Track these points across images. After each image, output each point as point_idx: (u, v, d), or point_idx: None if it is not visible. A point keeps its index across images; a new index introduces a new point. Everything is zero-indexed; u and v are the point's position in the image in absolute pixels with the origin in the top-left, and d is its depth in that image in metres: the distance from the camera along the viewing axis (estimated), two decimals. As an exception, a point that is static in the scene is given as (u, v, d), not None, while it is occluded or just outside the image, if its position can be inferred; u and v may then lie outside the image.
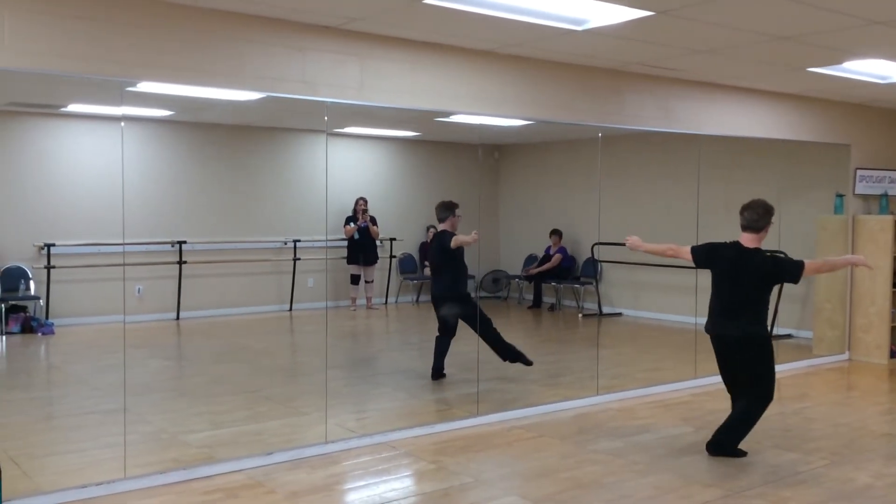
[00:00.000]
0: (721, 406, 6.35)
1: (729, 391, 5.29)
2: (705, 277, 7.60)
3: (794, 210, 8.93)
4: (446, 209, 6.84)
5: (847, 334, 8.45)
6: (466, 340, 6.94)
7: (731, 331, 5.07)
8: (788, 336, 9.05)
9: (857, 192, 8.40)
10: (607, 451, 5.13)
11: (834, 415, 6.18)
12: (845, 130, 8.33)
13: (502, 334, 6.88)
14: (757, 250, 5.05)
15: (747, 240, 5.07)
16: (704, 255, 5.19)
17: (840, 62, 6.18)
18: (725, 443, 5.07)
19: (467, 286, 6.96)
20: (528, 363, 6.88)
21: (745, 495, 4.38)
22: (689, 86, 7.03)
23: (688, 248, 5.22)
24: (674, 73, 6.72)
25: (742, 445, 5.13)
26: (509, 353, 6.85)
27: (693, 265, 5.24)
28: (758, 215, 5.02)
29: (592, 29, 5.15)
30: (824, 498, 4.37)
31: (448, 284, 6.83)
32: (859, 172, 8.39)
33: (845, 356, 8.45)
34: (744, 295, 5.03)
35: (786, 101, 7.76)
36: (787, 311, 9.05)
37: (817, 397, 6.82)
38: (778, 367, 7.95)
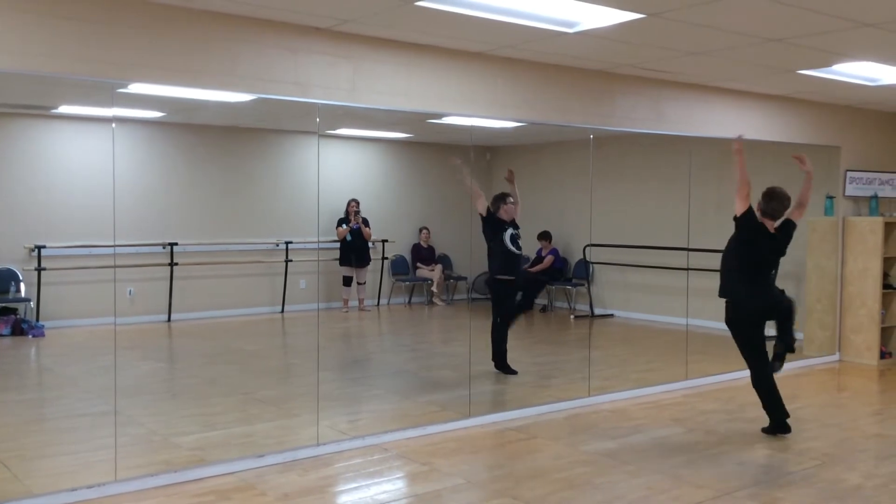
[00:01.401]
0: (712, 407, 6.38)
1: (753, 362, 5.57)
2: (696, 279, 7.63)
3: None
4: (496, 200, 7.07)
5: (837, 335, 8.49)
6: (460, 342, 6.94)
7: (768, 300, 5.47)
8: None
9: (847, 193, 8.44)
10: (599, 452, 5.14)
11: (825, 415, 6.20)
12: (835, 132, 8.37)
13: (496, 335, 6.90)
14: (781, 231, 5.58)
15: (771, 226, 5.50)
16: (749, 224, 5.43)
17: (830, 65, 6.21)
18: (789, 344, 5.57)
19: (495, 272, 7.10)
20: (514, 372, 7.02)
21: (737, 496, 4.39)
22: (681, 88, 7.05)
23: (747, 202, 5.41)
24: (665, 76, 6.74)
25: (736, 445, 5.15)
26: (502, 364, 6.98)
27: (737, 215, 5.45)
28: (784, 208, 5.51)
29: (584, 31, 5.16)
30: (815, 499, 4.38)
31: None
32: (849, 174, 8.43)
33: (836, 357, 8.48)
34: (775, 271, 5.53)
35: (776, 104, 7.79)
36: (778, 312, 9.08)
37: (808, 398, 6.84)
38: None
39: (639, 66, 6.38)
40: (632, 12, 4.71)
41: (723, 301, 5.56)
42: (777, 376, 5.58)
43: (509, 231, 7.00)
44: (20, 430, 5.58)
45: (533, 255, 11.20)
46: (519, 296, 7.11)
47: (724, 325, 5.58)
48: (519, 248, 7.10)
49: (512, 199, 7.05)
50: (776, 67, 6.35)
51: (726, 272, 5.56)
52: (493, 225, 6.99)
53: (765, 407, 5.61)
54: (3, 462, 4.65)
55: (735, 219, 5.46)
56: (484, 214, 6.98)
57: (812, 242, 8.52)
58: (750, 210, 5.43)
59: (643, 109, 6.84)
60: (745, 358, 5.59)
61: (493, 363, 7.01)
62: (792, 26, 5.05)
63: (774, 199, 5.47)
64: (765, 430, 5.60)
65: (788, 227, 5.60)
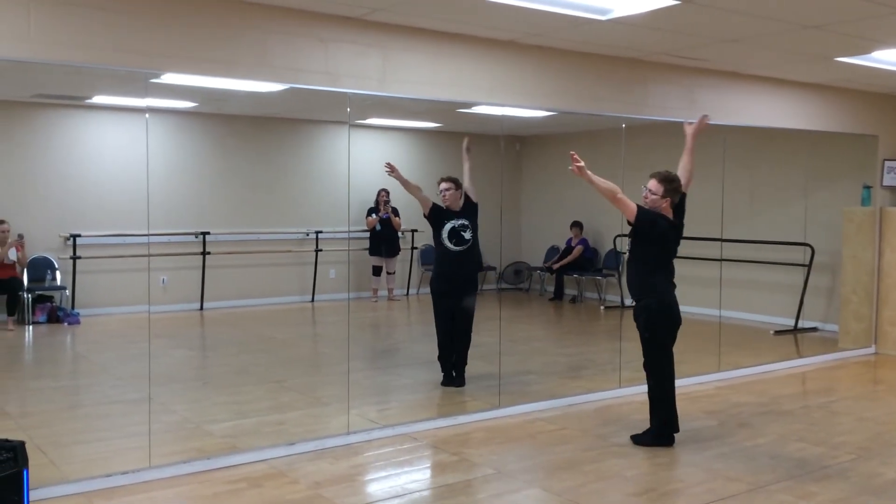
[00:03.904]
0: (745, 399, 6.31)
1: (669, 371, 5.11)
2: (730, 269, 7.53)
3: (821, 201, 8.83)
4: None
5: (874, 327, 8.35)
6: (489, 332, 6.93)
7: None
8: (814, 329, 8.96)
9: (884, 183, 8.28)
10: (630, 444, 5.10)
11: (860, 409, 6.11)
12: (873, 121, 8.21)
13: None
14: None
15: (669, 211, 4.98)
16: (653, 221, 4.87)
17: (869, 51, 6.08)
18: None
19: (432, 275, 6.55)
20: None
21: (771, 489, 4.34)
22: (715, 75, 6.95)
23: (633, 204, 4.84)
24: (699, 63, 6.65)
25: (770, 438, 5.08)
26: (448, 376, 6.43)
27: (631, 223, 4.88)
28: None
29: (616, 18, 5.10)
30: (851, 493, 4.32)
31: None
32: (887, 164, 8.27)
33: (872, 349, 8.34)
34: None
35: (812, 91, 7.66)
36: (812, 304, 8.96)
37: (843, 391, 6.74)
38: (804, 361, 7.93)
39: (672, 54, 6.29)
40: (666, -1, 4.64)
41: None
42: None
43: (449, 223, 6.23)
44: (56, 416, 5.67)
45: (563, 245, 11.16)
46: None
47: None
48: (463, 241, 6.22)
49: (446, 185, 6.24)
50: (813, 55, 6.23)
51: (657, 272, 5.04)
52: (433, 217, 6.27)
53: (661, 415, 5.08)
54: (40, 448, 4.73)
55: (642, 225, 4.87)
56: (426, 213, 6.27)
57: (848, 233, 8.38)
58: (641, 210, 4.85)
59: (676, 98, 6.75)
60: (660, 361, 5.07)
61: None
62: (830, 12, 4.94)
63: (676, 181, 4.95)
64: (638, 440, 5.08)
65: (682, 204, 5.05)
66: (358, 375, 6.40)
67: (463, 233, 6.23)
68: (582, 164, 4.80)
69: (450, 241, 6.24)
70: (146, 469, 4.41)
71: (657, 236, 4.93)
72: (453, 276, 6.29)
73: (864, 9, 4.82)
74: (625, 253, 5.08)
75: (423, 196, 6.26)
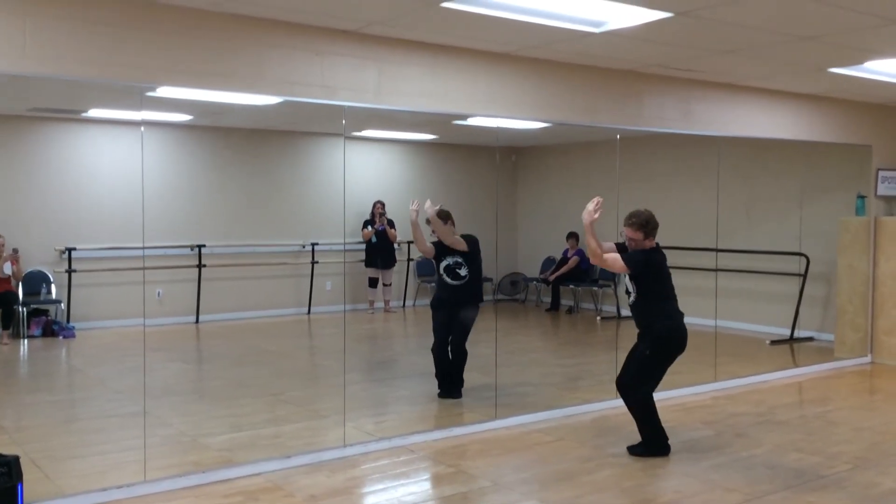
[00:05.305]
0: (742, 409, 6.31)
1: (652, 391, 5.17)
2: (726, 279, 7.54)
3: (816, 212, 8.86)
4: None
5: (869, 337, 8.36)
6: (486, 343, 6.92)
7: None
8: (810, 339, 8.97)
9: (878, 193, 8.31)
10: (627, 454, 5.10)
11: (856, 418, 6.11)
12: (867, 131, 8.24)
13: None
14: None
15: (652, 243, 5.10)
16: (645, 262, 5.02)
17: (861, 62, 6.12)
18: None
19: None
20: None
21: (768, 500, 4.33)
22: (709, 87, 6.98)
23: (617, 257, 5.00)
24: (693, 75, 6.68)
25: (767, 448, 5.08)
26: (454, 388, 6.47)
27: (628, 273, 5.04)
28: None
29: (611, 31, 5.13)
30: (848, 503, 4.31)
31: None
32: (881, 173, 8.30)
33: (867, 359, 8.35)
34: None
35: (806, 102, 7.69)
36: (808, 313, 8.97)
37: (839, 401, 6.75)
38: (800, 371, 7.94)
39: (667, 66, 6.32)
40: (660, 11, 4.66)
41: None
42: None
43: (445, 261, 6.40)
44: (51, 430, 5.65)
45: (559, 256, 11.17)
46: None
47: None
48: (458, 277, 6.35)
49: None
50: (807, 65, 6.27)
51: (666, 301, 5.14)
52: (436, 254, 6.46)
53: (651, 425, 5.14)
54: (35, 462, 4.71)
55: (638, 270, 5.00)
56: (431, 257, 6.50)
57: (843, 243, 8.40)
58: (628, 259, 4.98)
59: (671, 109, 6.78)
60: (649, 380, 5.11)
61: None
62: (823, 24, 4.98)
63: (653, 220, 5.08)
64: (634, 451, 5.12)
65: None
66: (354, 388, 6.39)
67: (458, 270, 6.36)
68: (595, 217, 4.96)
69: (447, 276, 6.37)
70: (142, 483, 4.40)
71: (656, 271, 5.08)
72: (451, 304, 6.38)
73: (856, 20, 4.85)
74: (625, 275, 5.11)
75: (426, 246, 6.43)
